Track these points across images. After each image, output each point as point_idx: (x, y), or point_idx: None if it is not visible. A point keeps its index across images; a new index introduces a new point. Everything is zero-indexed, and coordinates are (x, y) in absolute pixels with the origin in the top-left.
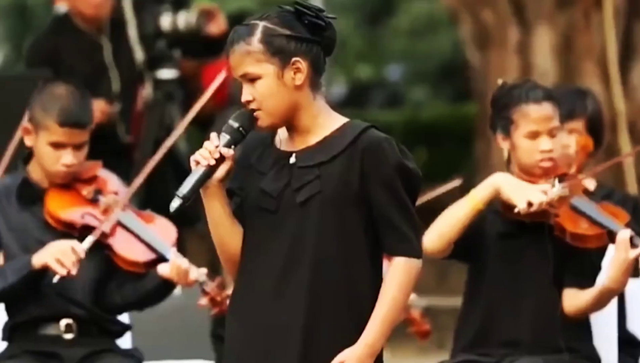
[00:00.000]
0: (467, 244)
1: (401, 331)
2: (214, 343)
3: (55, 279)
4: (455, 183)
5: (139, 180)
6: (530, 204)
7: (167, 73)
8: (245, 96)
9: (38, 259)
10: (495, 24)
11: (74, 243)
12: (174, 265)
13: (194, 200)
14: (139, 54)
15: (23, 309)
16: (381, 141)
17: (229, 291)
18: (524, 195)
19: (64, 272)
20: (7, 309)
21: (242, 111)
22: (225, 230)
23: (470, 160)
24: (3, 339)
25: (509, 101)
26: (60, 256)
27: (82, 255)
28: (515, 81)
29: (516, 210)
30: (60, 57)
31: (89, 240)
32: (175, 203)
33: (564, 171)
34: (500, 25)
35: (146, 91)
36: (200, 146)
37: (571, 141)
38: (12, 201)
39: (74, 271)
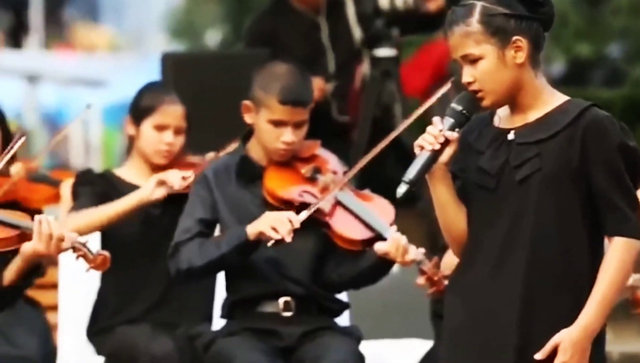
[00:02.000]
0: None
1: (625, 312)
2: (433, 322)
3: (270, 243)
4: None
5: (362, 163)
6: None
7: (385, 51)
8: (466, 78)
9: (253, 228)
10: None
11: (290, 213)
12: (392, 244)
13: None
14: (357, 33)
15: (243, 287)
16: (603, 119)
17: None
18: None
19: (278, 237)
20: (227, 287)
21: (464, 94)
22: (451, 212)
23: None
24: (222, 316)
25: None
26: (275, 224)
27: (297, 225)
28: None
29: None
30: (278, 38)
31: (305, 213)
32: (401, 189)
33: None
34: None
35: (364, 70)
36: (418, 122)
37: None
38: (232, 179)
39: (288, 239)
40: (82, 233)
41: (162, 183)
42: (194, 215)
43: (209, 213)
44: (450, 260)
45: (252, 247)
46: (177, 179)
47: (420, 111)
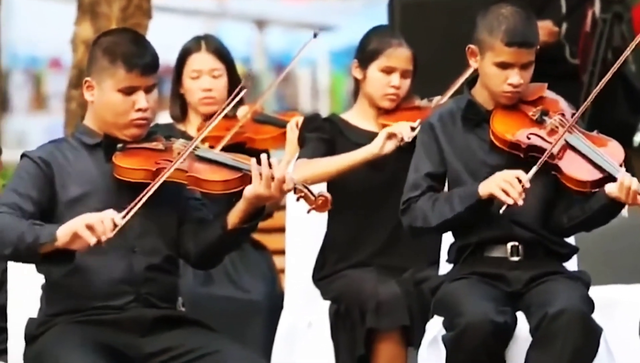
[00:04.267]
0: None
1: None
2: None
3: (502, 210)
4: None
5: (587, 101)
6: None
7: None
8: None
9: (484, 188)
10: None
11: (519, 173)
12: (622, 185)
13: None
14: None
15: (470, 232)
16: None
17: None
18: None
19: (510, 202)
20: (454, 231)
21: None
22: None
23: None
24: (448, 261)
25: None
26: (506, 187)
27: (527, 185)
28: None
29: None
30: None
31: (534, 168)
32: (638, 138)
33: None
34: None
35: (594, 12)
36: None
37: None
38: (457, 124)
39: (520, 202)
40: (309, 183)
41: (391, 135)
42: (421, 170)
43: (436, 165)
44: None
45: (486, 206)
46: (406, 131)
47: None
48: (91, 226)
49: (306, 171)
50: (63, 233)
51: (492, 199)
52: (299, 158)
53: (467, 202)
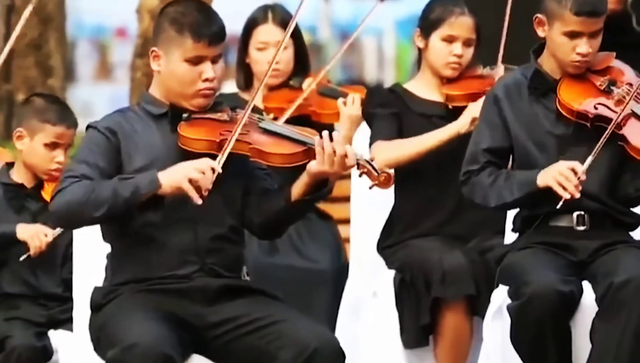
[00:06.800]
0: None
1: None
2: None
3: (559, 205)
4: None
5: None
6: None
7: None
8: None
9: (542, 179)
10: None
11: (574, 164)
12: None
13: None
14: None
15: (536, 201)
16: None
17: None
18: None
19: (567, 196)
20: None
21: None
22: None
23: None
24: (514, 230)
25: None
26: (562, 180)
27: (583, 177)
28: None
29: None
30: None
31: (589, 159)
32: None
33: None
34: None
35: None
36: None
37: None
38: (523, 93)
39: (577, 195)
40: (393, 167)
41: (476, 120)
42: (481, 144)
43: (498, 140)
44: None
45: (543, 195)
46: None
47: None
48: (195, 180)
49: (388, 154)
50: (167, 185)
51: (547, 189)
52: (373, 139)
53: (526, 189)
